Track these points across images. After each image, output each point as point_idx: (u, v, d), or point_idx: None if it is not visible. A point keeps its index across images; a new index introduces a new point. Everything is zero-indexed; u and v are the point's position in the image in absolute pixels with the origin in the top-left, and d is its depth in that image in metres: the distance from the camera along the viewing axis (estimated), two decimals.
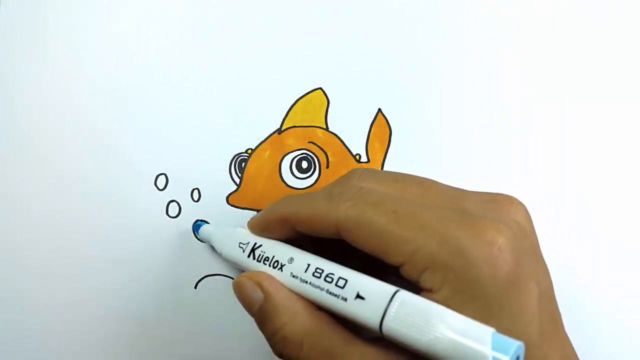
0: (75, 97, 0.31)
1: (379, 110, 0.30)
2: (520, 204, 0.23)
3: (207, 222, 0.30)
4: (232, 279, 0.30)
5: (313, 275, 0.22)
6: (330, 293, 0.21)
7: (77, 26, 0.32)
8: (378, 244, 0.21)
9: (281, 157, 0.30)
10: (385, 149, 0.30)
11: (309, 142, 0.30)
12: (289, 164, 0.30)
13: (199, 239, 0.30)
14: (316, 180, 0.30)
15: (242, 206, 0.30)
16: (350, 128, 0.30)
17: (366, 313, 0.20)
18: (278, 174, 0.30)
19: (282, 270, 0.23)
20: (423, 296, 0.20)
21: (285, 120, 0.31)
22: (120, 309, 0.30)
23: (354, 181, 0.24)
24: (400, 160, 0.30)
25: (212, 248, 0.29)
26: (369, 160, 0.30)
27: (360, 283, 0.21)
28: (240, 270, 0.25)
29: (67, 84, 0.31)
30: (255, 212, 0.29)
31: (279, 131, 0.30)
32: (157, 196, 0.30)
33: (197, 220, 0.30)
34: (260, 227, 0.25)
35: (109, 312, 0.30)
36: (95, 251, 0.30)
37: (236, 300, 0.30)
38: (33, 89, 0.31)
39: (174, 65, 0.31)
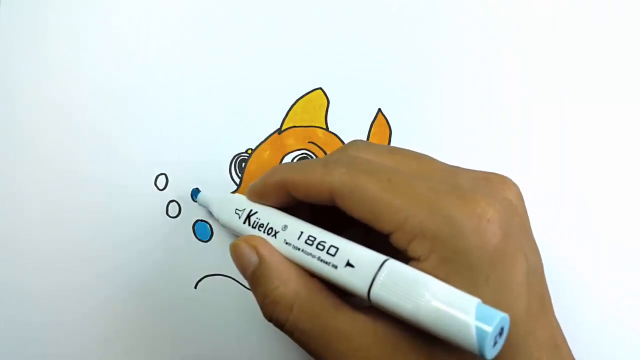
0: (75, 97, 0.31)
1: (379, 110, 0.30)
2: (514, 183, 0.23)
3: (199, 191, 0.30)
4: (233, 279, 0.30)
5: (305, 242, 0.22)
6: (321, 260, 0.22)
7: (77, 26, 0.32)
8: (370, 211, 0.21)
9: (281, 157, 0.30)
10: None
11: (309, 142, 0.30)
12: None
13: (195, 201, 0.30)
14: None
15: None
16: (350, 128, 0.30)
17: (355, 280, 0.21)
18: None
19: (275, 237, 0.24)
20: (412, 265, 0.20)
21: (285, 120, 0.31)
22: (121, 308, 0.30)
23: (350, 151, 0.24)
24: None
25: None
26: None
27: (351, 251, 0.21)
28: (237, 237, 0.26)
29: (67, 84, 0.31)
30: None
31: (279, 131, 0.30)
32: (157, 196, 0.30)
33: (194, 189, 0.30)
34: (257, 194, 0.25)
35: (109, 312, 0.30)
36: (95, 251, 0.30)
37: (236, 300, 0.30)
38: (33, 89, 0.31)
39: (174, 65, 0.31)
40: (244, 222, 0.25)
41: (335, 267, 0.21)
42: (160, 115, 0.31)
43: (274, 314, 0.23)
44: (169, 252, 0.30)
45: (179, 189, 0.30)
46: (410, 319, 0.19)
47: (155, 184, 0.30)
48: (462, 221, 0.20)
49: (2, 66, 0.31)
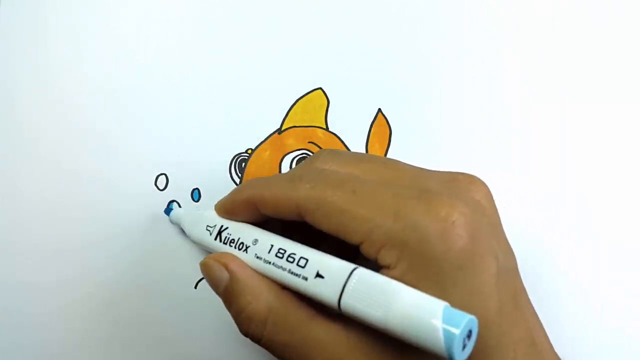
0: (75, 97, 0.31)
1: (379, 110, 0.30)
2: (482, 183, 0.23)
3: (178, 204, 0.30)
4: None
5: (276, 255, 0.22)
6: (292, 273, 0.22)
7: (77, 26, 0.32)
8: (337, 224, 0.21)
9: (281, 157, 0.30)
10: (385, 149, 0.30)
11: (309, 142, 0.30)
12: (289, 164, 0.30)
13: (168, 216, 0.29)
14: None
15: None
16: (350, 128, 0.30)
17: (325, 291, 0.21)
18: (278, 174, 0.30)
19: (247, 252, 0.24)
20: (382, 273, 0.20)
21: (285, 120, 0.31)
22: (121, 308, 0.30)
23: (316, 163, 0.24)
24: (400, 160, 0.30)
25: (183, 231, 0.29)
26: None
27: (320, 262, 0.21)
28: (209, 253, 0.26)
29: (67, 84, 0.31)
30: None
31: (279, 131, 0.30)
32: (157, 196, 0.30)
33: (170, 202, 0.30)
34: (226, 210, 0.25)
35: (109, 312, 0.30)
36: (95, 251, 0.30)
37: None
38: (33, 89, 0.31)
39: (174, 65, 0.31)
40: (215, 238, 0.25)
41: (306, 278, 0.21)
42: (160, 115, 0.31)
43: (250, 329, 0.23)
44: (169, 252, 0.30)
45: (179, 189, 0.30)
46: (379, 326, 0.19)
47: (156, 184, 0.30)
48: (427, 226, 0.20)
49: (2, 66, 0.32)
